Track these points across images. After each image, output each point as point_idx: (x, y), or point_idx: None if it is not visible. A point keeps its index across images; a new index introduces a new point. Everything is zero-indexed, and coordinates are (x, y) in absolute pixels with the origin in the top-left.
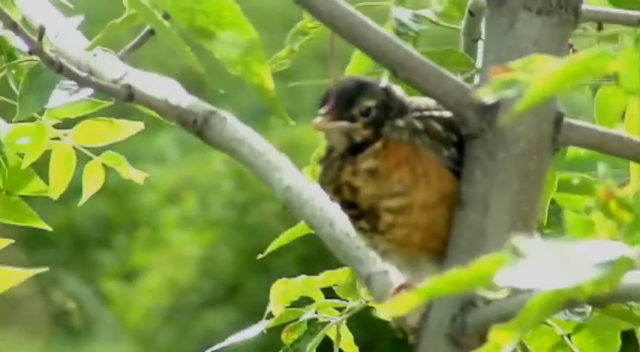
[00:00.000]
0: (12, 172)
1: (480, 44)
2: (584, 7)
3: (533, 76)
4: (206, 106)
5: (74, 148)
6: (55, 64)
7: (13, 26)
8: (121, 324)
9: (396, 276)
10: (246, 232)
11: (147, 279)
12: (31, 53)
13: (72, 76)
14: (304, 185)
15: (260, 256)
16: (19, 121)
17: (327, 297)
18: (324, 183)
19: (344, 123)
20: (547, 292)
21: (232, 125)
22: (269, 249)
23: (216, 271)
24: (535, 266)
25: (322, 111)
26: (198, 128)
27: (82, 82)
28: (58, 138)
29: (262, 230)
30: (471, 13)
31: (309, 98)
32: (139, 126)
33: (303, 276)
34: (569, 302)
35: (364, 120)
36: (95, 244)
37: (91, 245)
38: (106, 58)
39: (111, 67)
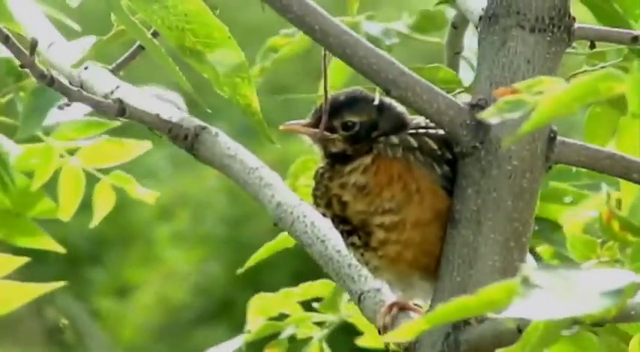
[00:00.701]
0: (21, 194)
1: (463, 57)
2: (576, 25)
3: (539, 98)
4: (197, 122)
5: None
6: (47, 77)
7: (5, 39)
8: (113, 340)
9: (388, 294)
10: (239, 248)
11: (140, 296)
12: (22, 67)
13: (63, 90)
14: (295, 202)
15: (240, 270)
16: (24, 141)
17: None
18: (316, 196)
19: (311, 130)
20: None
21: (224, 141)
22: (252, 261)
23: (209, 287)
24: (545, 297)
25: (307, 119)
26: (189, 143)
27: (74, 97)
28: (64, 158)
29: (255, 246)
30: (454, 26)
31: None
32: (147, 145)
33: (282, 289)
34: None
35: (343, 134)
36: (88, 260)
37: (83, 261)
38: (98, 72)
39: (102, 81)
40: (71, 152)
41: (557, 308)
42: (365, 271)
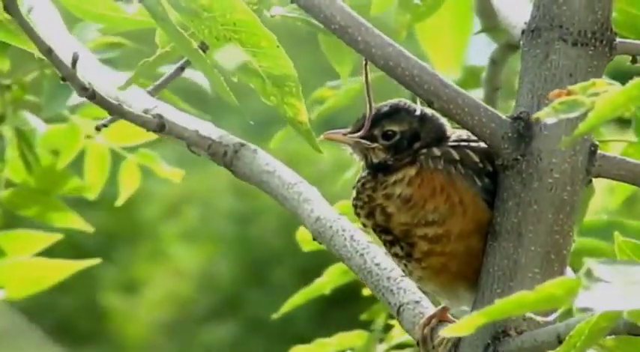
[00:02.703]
0: (48, 172)
1: (500, 93)
2: (618, 39)
3: (596, 99)
4: (236, 139)
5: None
6: (89, 91)
7: (48, 52)
8: (121, 337)
9: (427, 307)
10: (247, 245)
11: (148, 292)
12: (64, 80)
13: (104, 104)
14: (334, 216)
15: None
16: (51, 120)
17: None
18: (357, 206)
19: (352, 138)
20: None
21: (262, 157)
22: (286, 308)
23: (217, 284)
24: (610, 290)
25: (348, 128)
26: (228, 160)
27: (115, 111)
28: (90, 137)
29: (262, 243)
30: (493, 61)
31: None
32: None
33: (317, 340)
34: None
35: (384, 143)
36: (96, 257)
37: (92, 258)
38: (135, 92)
39: (140, 100)
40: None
41: (620, 301)
42: (404, 284)
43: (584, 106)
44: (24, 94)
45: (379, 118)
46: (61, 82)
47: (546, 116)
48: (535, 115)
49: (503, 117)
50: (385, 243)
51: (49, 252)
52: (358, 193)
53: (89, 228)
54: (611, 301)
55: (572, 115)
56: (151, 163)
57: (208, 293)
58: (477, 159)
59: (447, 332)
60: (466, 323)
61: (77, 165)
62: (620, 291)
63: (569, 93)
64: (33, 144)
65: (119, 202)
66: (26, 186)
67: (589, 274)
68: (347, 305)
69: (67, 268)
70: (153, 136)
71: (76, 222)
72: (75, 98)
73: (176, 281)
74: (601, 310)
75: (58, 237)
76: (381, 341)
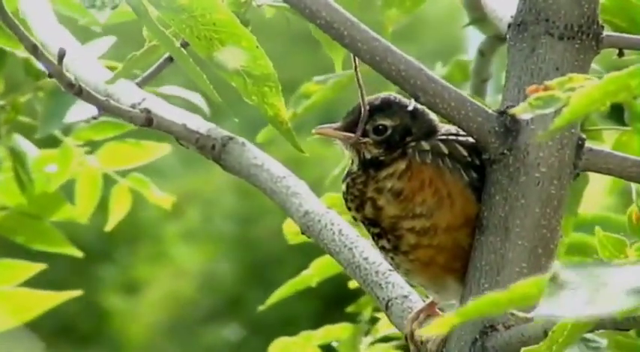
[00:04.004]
0: (41, 197)
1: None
2: (605, 33)
3: (572, 94)
4: (224, 132)
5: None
6: (75, 87)
7: (33, 48)
8: (122, 338)
9: (416, 301)
10: (248, 246)
11: (149, 293)
12: (50, 76)
13: (91, 99)
14: (323, 210)
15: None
16: (43, 142)
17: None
18: (347, 200)
19: (344, 134)
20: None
21: (250, 151)
22: (273, 299)
23: (218, 285)
24: (574, 296)
25: (339, 122)
26: (216, 153)
27: (101, 106)
28: (82, 158)
29: (264, 244)
30: (481, 53)
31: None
32: (166, 148)
33: (302, 332)
34: (596, 326)
35: (375, 138)
36: (97, 258)
37: (92, 258)
38: (124, 84)
39: (128, 93)
40: (88, 153)
41: (584, 307)
42: (392, 278)
43: (560, 102)
44: (18, 116)
45: (371, 112)
46: (57, 103)
47: (523, 111)
48: (511, 111)
49: (490, 111)
50: (373, 235)
51: (51, 254)
52: (349, 187)
53: (78, 253)
54: (575, 307)
55: (548, 111)
56: (142, 188)
57: (210, 294)
58: (465, 153)
59: (424, 331)
60: (442, 322)
61: (68, 187)
62: (587, 297)
63: (546, 89)
64: (27, 165)
65: (108, 227)
66: (19, 209)
67: (554, 279)
68: (347, 306)
69: (49, 299)
70: (145, 160)
71: (67, 247)
72: (69, 118)
73: (177, 281)
74: (562, 317)
75: (41, 266)
76: (367, 333)
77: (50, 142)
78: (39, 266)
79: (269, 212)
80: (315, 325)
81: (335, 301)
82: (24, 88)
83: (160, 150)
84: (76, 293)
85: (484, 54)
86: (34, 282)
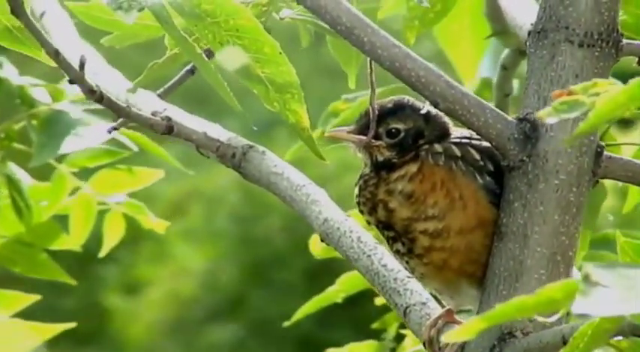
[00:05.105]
0: (38, 226)
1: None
2: (625, 41)
3: (596, 98)
4: (244, 141)
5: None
6: (96, 93)
7: (55, 53)
8: (124, 338)
9: (434, 308)
10: (251, 245)
11: (150, 293)
12: (71, 82)
13: (112, 106)
14: (342, 218)
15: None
16: (37, 169)
17: None
18: (359, 203)
19: (356, 136)
20: (596, 321)
21: (270, 159)
22: (299, 315)
23: (220, 284)
24: (607, 295)
25: (351, 125)
26: (236, 162)
27: (122, 114)
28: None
29: (266, 243)
30: (504, 67)
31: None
32: (159, 174)
33: (328, 350)
34: (618, 331)
35: (387, 141)
36: (98, 257)
37: (94, 258)
38: (145, 95)
39: (150, 103)
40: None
41: (618, 305)
42: (411, 285)
43: (584, 106)
44: (12, 143)
45: (383, 116)
46: (52, 132)
47: (547, 116)
48: (536, 115)
49: (509, 118)
50: (388, 239)
51: (53, 253)
52: (361, 190)
53: (72, 281)
54: (609, 306)
55: (572, 115)
56: (137, 213)
57: (212, 294)
58: (477, 156)
59: (448, 337)
60: (467, 327)
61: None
62: (619, 295)
63: (570, 94)
64: (24, 192)
65: (102, 253)
66: (17, 238)
67: (587, 279)
68: (351, 307)
69: (44, 330)
70: (139, 186)
71: (61, 276)
72: (64, 148)
73: (179, 281)
74: (598, 315)
75: (35, 298)
76: (393, 351)
77: (43, 168)
78: (33, 298)
79: (272, 211)
80: (318, 326)
81: (338, 303)
82: (18, 116)
83: (152, 176)
84: (71, 325)
85: (506, 68)
86: (34, 283)
